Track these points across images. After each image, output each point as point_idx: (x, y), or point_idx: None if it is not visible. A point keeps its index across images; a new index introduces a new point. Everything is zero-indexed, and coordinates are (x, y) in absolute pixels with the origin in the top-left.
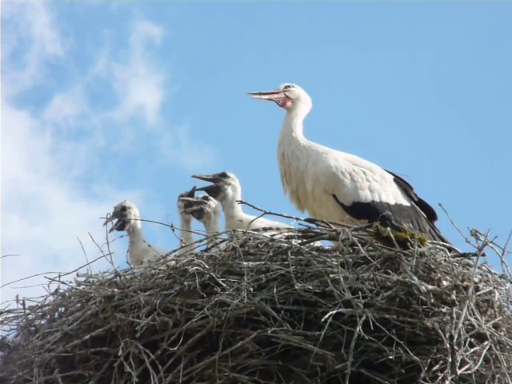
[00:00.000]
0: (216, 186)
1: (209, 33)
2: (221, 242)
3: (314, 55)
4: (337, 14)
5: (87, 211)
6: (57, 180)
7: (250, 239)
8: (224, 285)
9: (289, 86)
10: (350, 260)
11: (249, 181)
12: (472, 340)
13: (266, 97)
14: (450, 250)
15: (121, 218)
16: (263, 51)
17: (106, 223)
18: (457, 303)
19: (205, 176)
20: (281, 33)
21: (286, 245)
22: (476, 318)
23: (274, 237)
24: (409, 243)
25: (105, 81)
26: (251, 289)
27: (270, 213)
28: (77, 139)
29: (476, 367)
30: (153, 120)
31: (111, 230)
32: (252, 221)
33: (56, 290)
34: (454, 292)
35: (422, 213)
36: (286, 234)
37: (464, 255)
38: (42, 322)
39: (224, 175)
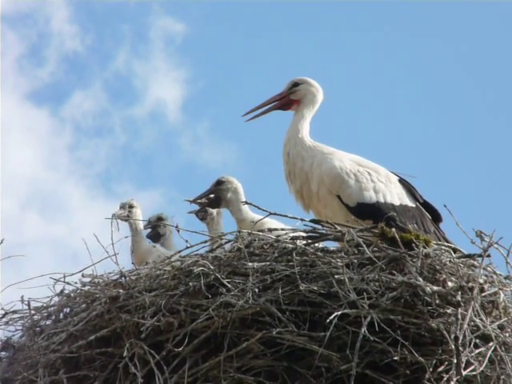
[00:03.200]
0: (215, 197)
1: (229, 31)
2: (226, 242)
3: (326, 53)
4: (346, 15)
5: (107, 209)
6: (76, 178)
7: (255, 240)
8: (229, 285)
9: (296, 85)
10: (355, 261)
11: (268, 177)
12: (477, 341)
13: (261, 110)
14: (455, 251)
15: (127, 213)
16: (284, 49)
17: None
18: (462, 304)
19: (198, 196)
20: (300, 31)
21: (291, 246)
22: (481, 319)
23: (279, 238)
24: (414, 244)
25: (125, 76)
26: (256, 289)
27: (274, 213)
28: (97, 136)
29: (481, 368)
30: (173, 116)
31: (114, 217)
32: (260, 220)
33: (61, 291)
34: (459, 293)
35: (427, 214)
36: (291, 234)
37: (469, 256)
38: (47, 322)
39: (219, 183)
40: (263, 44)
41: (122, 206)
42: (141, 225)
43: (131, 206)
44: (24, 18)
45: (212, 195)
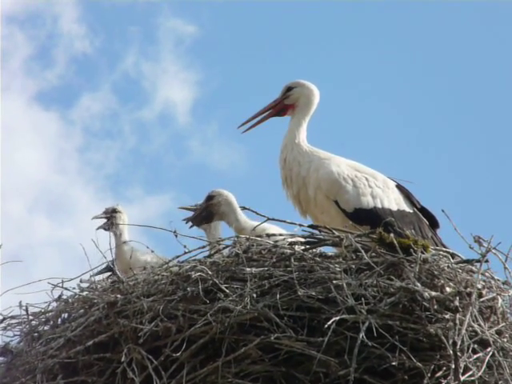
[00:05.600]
0: (206, 212)
1: (239, 32)
2: (224, 248)
3: (337, 56)
4: (348, 13)
5: None
6: (85, 181)
7: (253, 245)
8: (227, 291)
9: (289, 89)
10: (353, 266)
11: (278, 180)
12: (475, 346)
13: (257, 120)
14: (453, 256)
15: (110, 219)
16: (295, 51)
17: (99, 228)
18: (460, 309)
19: (192, 216)
20: (312, 34)
21: (289, 251)
22: (479, 325)
23: (277, 243)
24: (412, 249)
25: (134, 78)
26: (254, 295)
27: (273, 219)
28: (105, 139)
29: (479, 373)
30: (183, 119)
31: (99, 227)
32: (258, 225)
33: (59, 296)
34: (457, 298)
35: (425, 219)
36: (289, 239)
37: (467, 261)
38: (46, 328)
39: (210, 198)
40: (273, 46)
41: (105, 211)
42: (124, 231)
43: (115, 211)
44: (32, 18)
45: (204, 213)
